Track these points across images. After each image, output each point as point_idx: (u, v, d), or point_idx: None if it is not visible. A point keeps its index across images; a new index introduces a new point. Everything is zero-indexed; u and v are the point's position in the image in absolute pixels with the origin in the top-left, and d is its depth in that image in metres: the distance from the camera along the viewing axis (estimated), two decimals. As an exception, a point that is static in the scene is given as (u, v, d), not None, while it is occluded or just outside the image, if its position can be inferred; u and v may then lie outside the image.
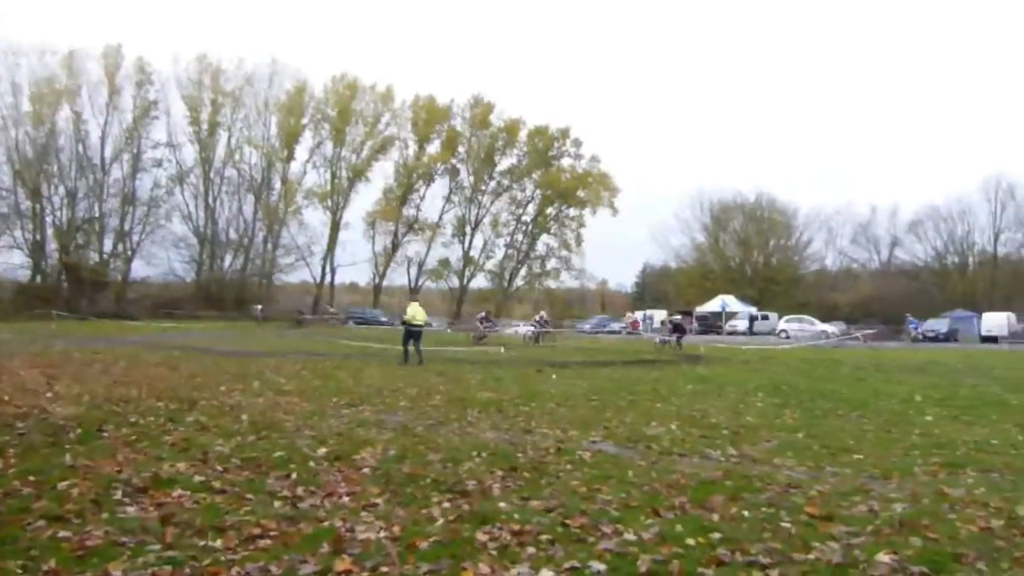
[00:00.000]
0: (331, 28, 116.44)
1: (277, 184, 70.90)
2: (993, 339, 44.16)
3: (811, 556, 4.81)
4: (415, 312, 21.42)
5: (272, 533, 5.03)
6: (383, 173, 74.47)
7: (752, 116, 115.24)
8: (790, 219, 74.84)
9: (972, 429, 10.37)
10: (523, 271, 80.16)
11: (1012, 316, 48.30)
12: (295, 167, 71.87)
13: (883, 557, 4.76)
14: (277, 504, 5.76)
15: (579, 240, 78.04)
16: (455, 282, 77.75)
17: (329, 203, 71.64)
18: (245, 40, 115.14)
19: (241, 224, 69.49)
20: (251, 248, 69.59)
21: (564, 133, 77.57)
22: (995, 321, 47.09)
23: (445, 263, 76.87)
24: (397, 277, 76.50)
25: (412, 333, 20.85)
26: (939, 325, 48.51)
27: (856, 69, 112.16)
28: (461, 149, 76.49)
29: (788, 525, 5.44)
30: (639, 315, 59.52)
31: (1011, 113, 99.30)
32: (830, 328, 48.80)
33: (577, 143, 77.63)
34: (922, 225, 72.42)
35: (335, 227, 71.53)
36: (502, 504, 5.86)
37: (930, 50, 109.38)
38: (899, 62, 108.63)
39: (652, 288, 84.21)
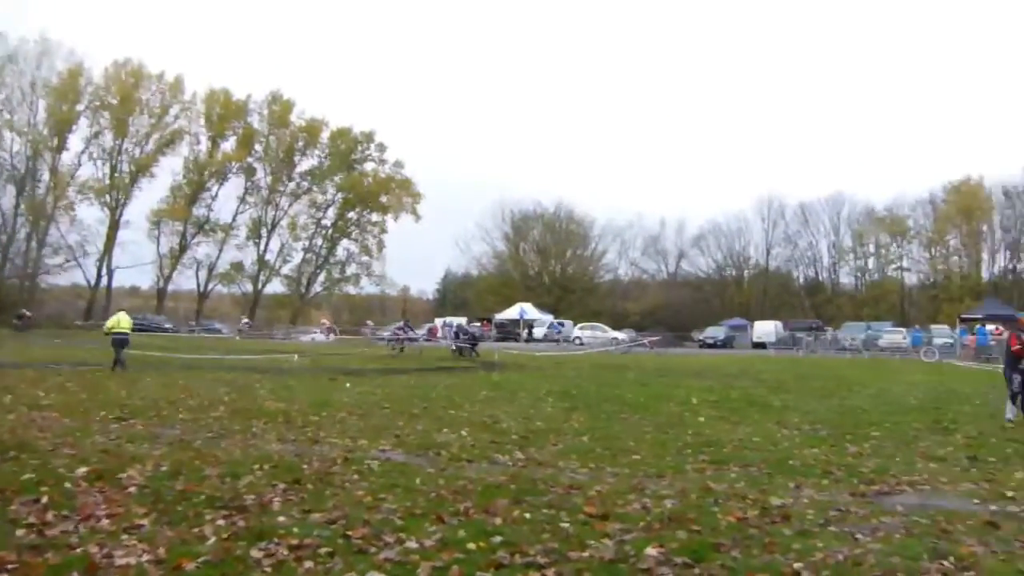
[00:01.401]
0: (111, 9, 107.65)
1: (45, 175, 63.76)
2: (763, 345, 48.30)
3: (586, 554, 4.97)
4: (120, 319, 21.07)
5: (11, 565, 4.51)
6: (171, 169, 68.95)
7: (553, 128, 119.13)
8: (587, 230, 78.22)
9: (739, 428, 11.22)
10: (322, 276, 77.93)
11: (779, 324, 53.15)
12: (67, 158, 65.05)
13: (651, 551, 5.02)
14: (20, 532, 5.17)
15: (380, 246, 76.86)
16: (248, 287, 74.31)
17: (108, 199, 65.41)
18: (8, 13, 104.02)
19: (-1, 218, 62.23)
20: (11, 246, 62.02)
21: (368, 136, 76.21)
22: (764, 329, 51.57)
23: (238, 267, 72.95)
24: (184, 281, 71.64)
25: (119, 341, 20.27)
26: (717, 332, 52.43)
27: (647, 89, 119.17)
28: (258, 147, 72.84)
29: (567, 525, 5.61)
30: (439, 322, 59.85)
31: (781, 138, 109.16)
32: (621, 335, 51.37)
33: (381, 147, 76.48)
34: (705, 239, 78.43)
35: (114, 225, 65.35)
36: (281, 518, 5.62)
37: (706, 76, 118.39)
38: (677, 86, 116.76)
39: (453, 295, 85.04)
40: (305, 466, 7.55)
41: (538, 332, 55.98)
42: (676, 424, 11.54)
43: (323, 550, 4.90)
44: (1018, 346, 12.40)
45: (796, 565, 4.85)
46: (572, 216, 77.24)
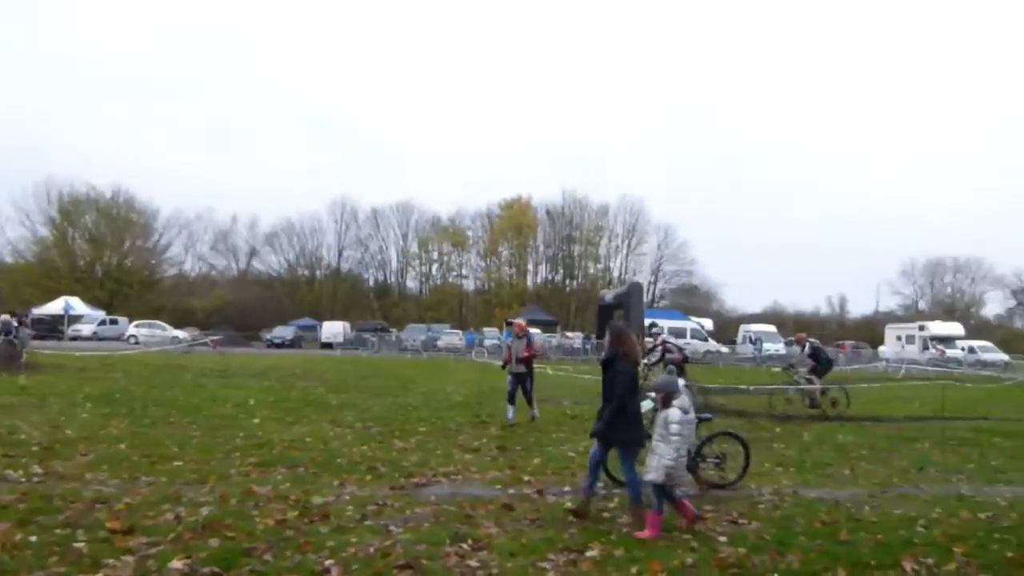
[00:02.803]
0: None
1: None
2: (330, 345, 49.05)
3: (100, 574, 4.53)
4: None
5: None
6: None
7: (102, 104, 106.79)
8: (149, 220, 71.99)
9: (293, 428, 11.20)
10: None
11: (347, 325, 54.46)
12: None
13: (176, 564, 4.75)
14: None
15: None
16: None
17: None
18: None
19: None
20: None
21: None
22: (333, 329, 52.38)
23: None
24: None
25: None
26: (286, 332, 52.01)
27: (208, 75, 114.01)
28: None
29: (82, 545, 5.07)
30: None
31: (357, 143, 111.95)
32: (182, 334, 48.44)
33: None
34: (278, 237, 77.35)
35: None
36: None
37: (267, 70, 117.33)
38: (241, 79, 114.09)
39: (-17, 284, 72.82)
40: None
41: (86, 329, 50.27)
42: (228, 427, 11.13)
43: None
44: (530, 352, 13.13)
45: (328, 562, 4.95)
46: (132, 204, 70.53)
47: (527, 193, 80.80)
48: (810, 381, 16.29)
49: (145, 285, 68.96)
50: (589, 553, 5.36)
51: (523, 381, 13.08)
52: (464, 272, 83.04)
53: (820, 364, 16.55)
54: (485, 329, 55.53)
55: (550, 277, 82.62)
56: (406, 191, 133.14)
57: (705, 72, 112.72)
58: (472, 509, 6.54)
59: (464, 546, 5.44)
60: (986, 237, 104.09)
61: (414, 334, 51.19)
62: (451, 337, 51.00)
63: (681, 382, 7.33)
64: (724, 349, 45.69)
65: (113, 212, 69.31)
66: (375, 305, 76.39)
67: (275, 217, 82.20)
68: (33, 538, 5.18)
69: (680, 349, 18.43)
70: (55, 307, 52.04)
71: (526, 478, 8.06)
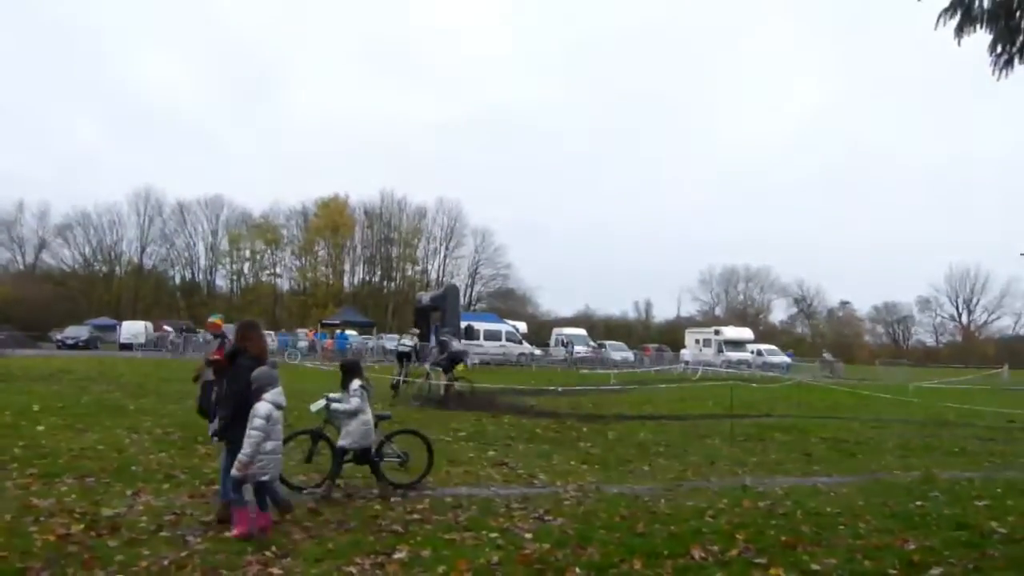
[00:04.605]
0: None
1: None
2: (130, 347, 45.97)
3: None
4: None
5: None
6: None
7: None
8: (-91, 204, 64.74)
9: (84, 436, 10.44)
10: None
11: (149, 325, 51.21)
12: None
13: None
14: None
15: None
16: None
17: None
18: None
19: None
20: None
21: None
22: (133, 329, 49.14)
23: None
24: None
25: None
26: (80, 332, 48.24)
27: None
28: None
29: None
30: None
31: (157, 130, 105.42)
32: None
33: None
34: (72, 230, 71.72)
35: None
36: None
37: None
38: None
39: None
40: None
41: None
42: (7, 436, 10.17)
43: None
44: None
45: (111, 578, 4.65)
46: None
47: (344, 192, 79.73)
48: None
49: None
50: (396, 555, 5.36)
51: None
52: (278, 271, 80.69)
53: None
54: (299, 330, 54.06)
55: (367, 278, 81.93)
56: (216, 184, 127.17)
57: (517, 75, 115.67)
58: (278, 515, 6.36)
59: (267, 553, 5.29)
60: (773, 249, 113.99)
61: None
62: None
63: (357, 383, 7.50)
64: (538, 352, 46.99)
65: None
66: (181, 304, 72.53)
67: (68, 207, 75.88)
68: None
69: (445, 348, 18.92)
70: None
71: (339, 482, 7.94)
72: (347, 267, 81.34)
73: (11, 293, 63.47)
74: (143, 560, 5.00)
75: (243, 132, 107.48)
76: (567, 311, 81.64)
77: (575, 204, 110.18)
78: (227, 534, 5.67)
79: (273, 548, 5.40)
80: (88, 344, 46.69)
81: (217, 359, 10.33)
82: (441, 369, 18.51)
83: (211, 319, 11.19)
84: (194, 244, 77.42)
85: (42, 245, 71.88)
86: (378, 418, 7.73)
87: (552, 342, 52.44)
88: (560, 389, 20.95)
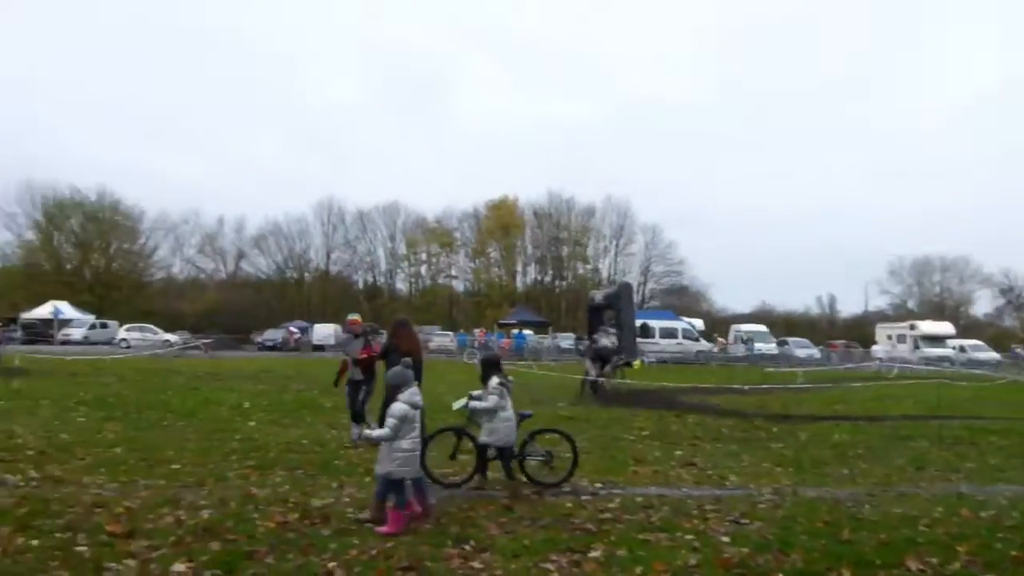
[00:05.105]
0: None
1: None
2: (322, 348, 48.90)
3: (103, 578, 4.51)
4: None
5: None
6: None
7: (86, 105, 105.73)
8: (135, 223, 71.67)
9: (289, 431, 11.17)
10: None
11: (339, 328, 54.17)
12: None
13: (179, 567, 4.73)
14: None
15: None
16: None
17: None
18: None
19: None
20: None
21: None
22: (324, 332, 52.22)
23: None
24: None
25: None
26: (277, 335, 51.83)
27: (197, 78, 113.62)
28: None
29: (83, 548, 5.04)
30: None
31: (341, 144, 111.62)
32: (173, 337, 48.22)
33: None
34: (266, 240, 77.15)
35: None
36: None
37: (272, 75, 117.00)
38: (231, 80, 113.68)
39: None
40: None
41: (76, 333, 49.96)
42: (224, 429, 11.09)
43: None
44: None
45: (331, 564, 4.94)
46: (118, 206, 70.06)
47: (513, 194, 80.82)
48: None
49: (134, 288, 68.77)
50: (592, 554, 5.36)
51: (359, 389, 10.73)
52: (453, 272, 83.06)
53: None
54: (476, 330, 55.49)
55: (539, 278, 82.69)
56: (392, 192, 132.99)
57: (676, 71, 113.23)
58: (472, 510, 6.54)
59: (467, 547, 5.44)
60: (970, 237, 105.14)
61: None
62: (442, 339, 51.02)
63: (496, 380, 7.42)
64: (715, 349, 45.81)
65: (99, 215, 68.82)
66: (365, 307, 76.20)
67: (262, 219, 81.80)
68: (34, 542, 5.15)
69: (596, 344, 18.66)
70: (43, 311, 51.66)
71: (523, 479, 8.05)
72: (519, 267, 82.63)
73: (215, 300, 69.23)
74: (353, 549, 5.27)
75: (414, 140, 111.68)
76: (743, 307, 79.04)
77: (737, 197, 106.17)
78: (376, 530, 5.80)
79: (472, 542, 5.55)
80: (283, 345, 50.03)
81: (364, 357, 10.74)
82: (601, 365, 18.43)
83: (350, 317, 11.54)
84: (374, 249, 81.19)
85: (240, 255, 77.88)
86: (520, 417, 7.72)
87: (731, 339, 51.01)
88: (747, 388, 20.29)
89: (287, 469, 8.20)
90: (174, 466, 8.15)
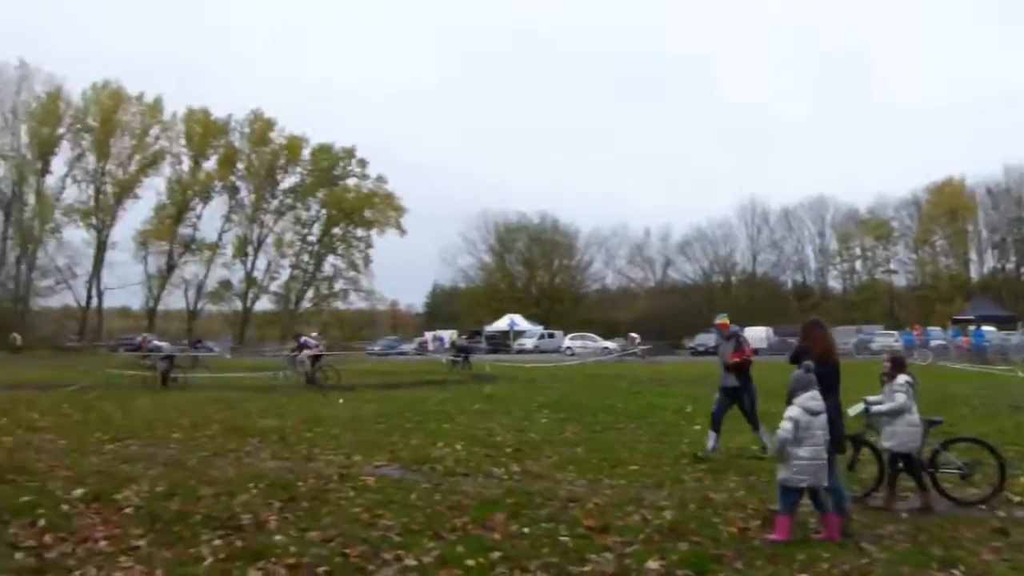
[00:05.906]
0: (87, 32, 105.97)
1: (31, 199, 63.51)
2: (755, 351, 48.29)
3: (587, 568, 4.93)
4: None
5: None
6: (155, 189, 69.07)
7: (533, 137, 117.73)
8: (572, 240, 78.10)
9: (733, 437, 11.15)
10: (310, 292, 77.78)
11: (770, 330, 53.18)
12: (52, 181, 64.92)
13: (652, 564, 4.98)
14: (19, 555, 5.10)
15: (367, 260, 76.91)
16: (238, 305, 74.00)
17: (93, 220, 65.49)
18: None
19: (-13, 244, 61.91)
20: (1, 269, 62.42)
21: (349, 152, 75.76)
22: (755, 335, 51.47)
23: (226, 285, 72.87)
24: (174, 301, 71.44)
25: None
26: (708, 339, 52.35)
27: (623, 95, 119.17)
28: (240, 166, 72.64)
29: (566, 539, 5.56)
30: (429, 335, 59.89)
31: (760, 142, 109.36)
32: (611, 344, 51.30)
33: (362, 163, 76.08)
34: (691, 246, 78.30)
35: (101, 247, 65.45)
36: (278, 537, 5.55)
37: (684, 81, 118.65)
38: (654, 90, 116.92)
39: (442, 308, 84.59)
40: (300, 484, 7.48)
41: (528, 343, 55.84)
42: (671, 433, 11.53)
43: (321, 569, 4.84)
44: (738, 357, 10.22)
45: (801, 576, 4.83)
46: (557, 227, 77.07)
47: (959, 173, 71.52)
48: None
49: (573, 300, 74.76)
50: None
51: (737, 397, 10.15)
52: (892, 266, 76.24)
53: None
54: (928, 328, 50.20)
55: (999, 265, 72.03)
56: (817, 186, 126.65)
57: None
58: (954, 530, 5.92)
59: (956, 572, 4.93)
60: None
61: (842, 337, 48.17)
62: (886, 339, 47.08)
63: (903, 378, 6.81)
64: None
65: (542, 236, 76.49)
66: (795, 308, 73.43)
67: (686, 226, 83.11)
68: (525, 529, 5.82)
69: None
70: (502, 324, 58.72)
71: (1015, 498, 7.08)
72: (972, 255, 73.03)
73: (646, 307, 72.22)
74: (823, 562, 5.07)
75: (834, 128, 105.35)
76: None
77: None
78: (766, 538, 5.57)
79: (962, 567, 5.01)
80: (715, 350, 50.26)
81: (736, 361, 10.25)
82: None
83: (718, 319, 11.12)
84: (802, 247, 77.87)
85: (667, 263, 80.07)
86: (928, 423, 6.79)
87: None
88: None
89: (740, 475, 8.23)
90: (631, 467, 8.64)
